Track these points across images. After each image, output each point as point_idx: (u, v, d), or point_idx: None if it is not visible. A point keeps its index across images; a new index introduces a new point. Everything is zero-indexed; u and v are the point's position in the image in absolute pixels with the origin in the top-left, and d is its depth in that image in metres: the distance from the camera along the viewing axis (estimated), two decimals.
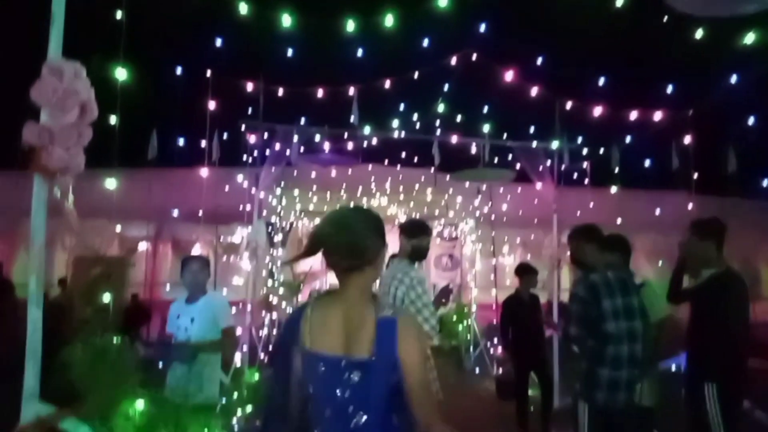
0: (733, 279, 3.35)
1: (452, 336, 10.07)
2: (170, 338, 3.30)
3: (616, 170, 7.86)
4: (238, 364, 6.01)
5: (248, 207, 7.69)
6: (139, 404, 2.24)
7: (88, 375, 2.09)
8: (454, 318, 10.12)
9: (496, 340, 9.29)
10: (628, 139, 7.97)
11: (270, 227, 9.38)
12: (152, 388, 2.36)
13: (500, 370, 8.24)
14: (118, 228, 10.42)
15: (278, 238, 9.97)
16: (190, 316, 3.28)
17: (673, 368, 4.14)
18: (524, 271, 5.76)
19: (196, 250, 11.11)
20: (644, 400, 3.38)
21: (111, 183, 3.33)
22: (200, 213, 7.79)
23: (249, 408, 3.35)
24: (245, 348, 6.93)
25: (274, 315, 9.30)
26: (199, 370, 3.06)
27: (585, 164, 8.23)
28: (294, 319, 1.69)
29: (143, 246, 12.36)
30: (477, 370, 9.03)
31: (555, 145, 7.10)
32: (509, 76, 6.99)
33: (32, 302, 1.91)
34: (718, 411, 3.17)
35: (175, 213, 8.58)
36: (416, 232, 3.64)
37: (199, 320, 3.28)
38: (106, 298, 2.72)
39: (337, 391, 1.57)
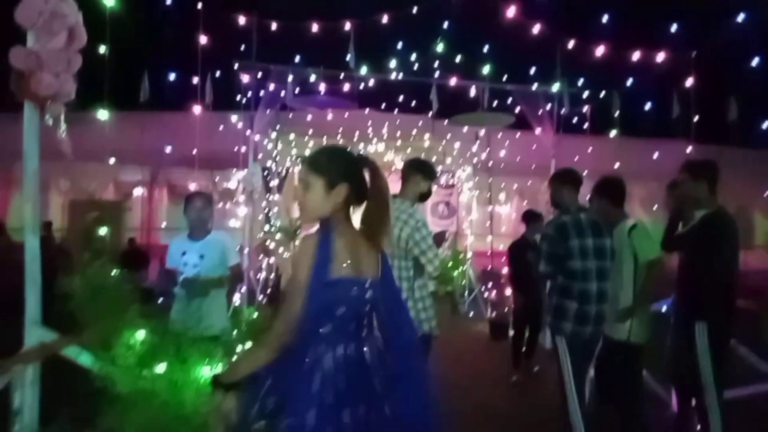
0: (725, 219, 3.36)
1: (447, 282, 10.22)
2: (174, 273, 3.30)
3: (617, 114, 7.75)
4: (237, 303, 6.12)
5: (243, 149, 7.61)
6: (140, 334, 2.28)
7: (87, 305, 2.11)
8: (450, 264, 10.25)
9: (490, 285, 9.48)
10: (629, 82, 7.80)
11: (266, 172, 9.32)
12: (153, 320, 2.38)
13: (493, 314, 8.45)
14: (112, 164, 10.25)
15: (274, 183, 9.90)
16: (199, 253, 3.25)
17: (664, 309, 4.22)
18: (531, 218, 5.82)
19: None
20: (633, 338, 3.46)
21: (103, 115, 3.24)
22: (194, 152, 7.68)
23: (248, 344, 3.37)
24: (243, 289, 7.04)
25: (272, 260, 9.38)
26: (204, 303, 3.09)
27: (585, 109, 8.11)
28: (325, 247, 1.77)
29: (138, 191, 12.31)
30: (471, 314, 9.23)
31: (555, 87, 6.97)
32: (511, 12, 6.75)
33: (29, 230, 1.90)
34: (706, 348, 3.27)
35: (168, 149, 8.46)
36: (432, 173, 3.62)
37: (209, 257, 3.27)
38: (102, 241, 2.71)
39: (364, 308, 1.85)
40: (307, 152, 10.90)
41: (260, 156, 8.68)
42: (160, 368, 2.24)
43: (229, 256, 3.43)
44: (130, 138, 10.15)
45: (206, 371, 2.34)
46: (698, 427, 3.43)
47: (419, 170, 3.53)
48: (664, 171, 3.61)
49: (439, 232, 4.63)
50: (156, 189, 12.35)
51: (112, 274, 2.25)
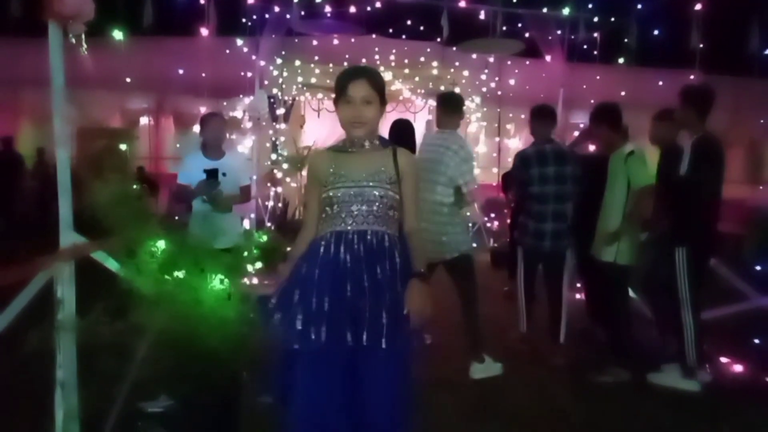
0: (711, 143, 3.40)
1: None
2: (189, 189, 3.39)
3: (627, 41, 7.53)
4: (247, 227, 6.35)
5: (249, 75, 7.55)
6: (161, 244, 2.47)
7: (111, 215, 2.28)
8: None
9: (493, 215, 9.66)
10: (641, 6, 7.49)
11: (272, 99, 9.28)
12: (172, 233, 2.57)
13: (495, 244, 8.69)
14: (118, 92, 10.21)
15: (281, 111, 9.88)
16: (221, 171, 3.36)
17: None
18: None
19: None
20: (620, 259, 3.60)
21: (118, 35, 3.27)
22: (204, 75, 7.62)
23: (259, 264, 3.53)
24: (252, 216, 7.28)
25: (279, 189, 9.52)
26: (224, 218, 3.29)
27: (596, 35, 7.87)
28: None
29: (144, 120, 12.27)
30: (474, 245, 9.43)
31: (566, 11, 6.78)
32: None
33: (59, 144, 2.05)
34: (684, 273, 3.43)
35: (179, 72, 8.42)
36: None
37: (230, 175, 3.41)
38: (123, 157, 2.83)
39: None
40: (313, 80, 10.81)
41: (266, 83, 8.63)
42: (180, 274, 2.45)
43: (244, 177, 3.64)
44: (134, 65, 10.02)
45: (222, 279, 2.57)
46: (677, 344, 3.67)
47: (462, 105, 3.91)
48: (676, 101, 3.64)
49: None
50: (162, 117, 12.31)
51: (134, 187, 2.42)
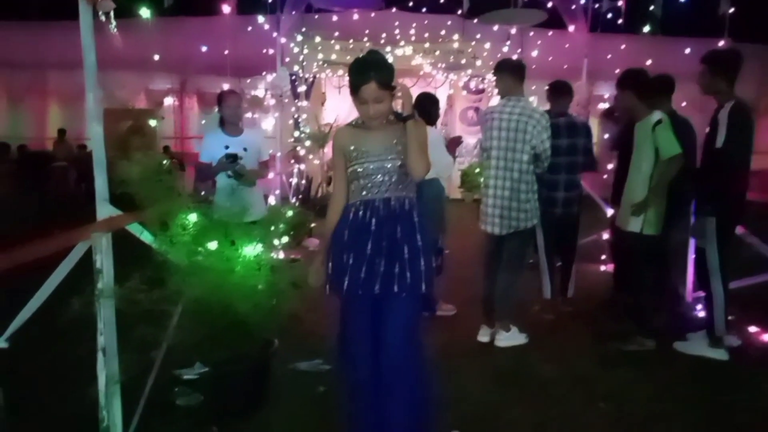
0: (745, 110, 3.31)
1: (474, 188, 10.33)
2: (211, 166, 3.48)
3: (652, 8, 7.27)
4: (273, 202, 6.46)
5: (271, 52, 7.58)
6: (192, 217, 2.56)
7: (143, 189, 2.37)
8: (477, 171, 10.32)
9: None
10: None
11: (293, 77, 9.30)
12: (202, 206, 2.65)
13: None
14: (142, 72, 10.34)
15: (302, 89, 9.91)
16: (242, 146, 3.42)
17: None
18: None
19: None
20: (647, 229, 3.54)
21: (145, 13, 3.32)
22: (226, 52, 7.65)
23: (285, 239, 3.58)
24: (277, 192, 7.39)
25: (302, 166, 9.61)
26: (249, 192, 3.37)
27: (620, 3, 7.62)
28: None
29: (169, 100, 12.44)
30: None
31: None
32: None
33: (92, 119, 2.12)
34: (713, 241, 3.38)
35: (203, 50, 8.48)
36: None
37: (251, 150, 3.48)
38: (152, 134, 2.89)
39: None
40: (333, 56, 10.78)
41: (287, 60, 8.65)
42: (212, 246, 2.54)
43: (264, 152, 3.73)
44: (157, 45, 10.12)
45: (251, 250, 2.65)
46: (705, 313, 3.65)
47: (523, 70, 3.78)
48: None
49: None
50: (186, 97, 12.47)
51: (164, 162, 2.49)
